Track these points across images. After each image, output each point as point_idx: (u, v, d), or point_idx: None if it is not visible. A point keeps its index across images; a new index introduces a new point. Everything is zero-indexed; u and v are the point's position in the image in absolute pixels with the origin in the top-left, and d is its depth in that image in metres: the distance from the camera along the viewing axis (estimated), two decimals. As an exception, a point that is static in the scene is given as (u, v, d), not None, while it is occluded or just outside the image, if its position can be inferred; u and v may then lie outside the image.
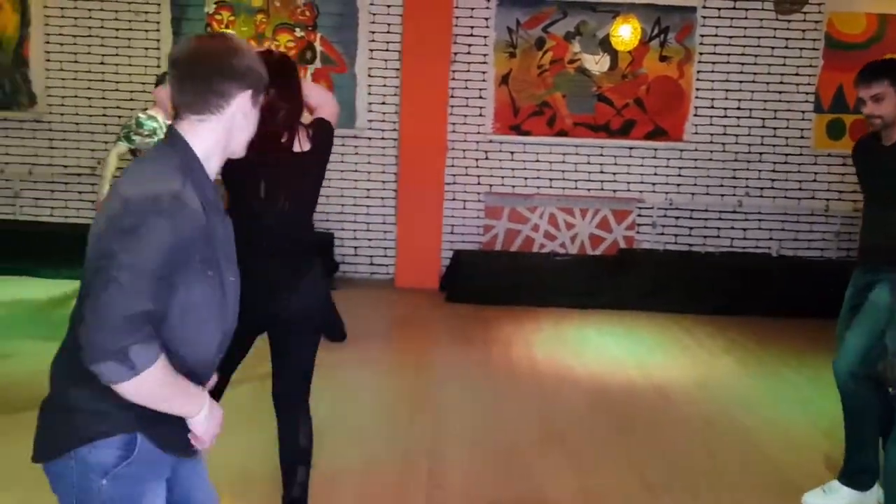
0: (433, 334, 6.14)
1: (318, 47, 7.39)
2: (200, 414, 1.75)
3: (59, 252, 7.00)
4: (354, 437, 4.09)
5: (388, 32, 7.39)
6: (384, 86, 7.45)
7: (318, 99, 3.04)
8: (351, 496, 3.51)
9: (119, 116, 7.42)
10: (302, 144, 2.78)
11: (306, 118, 2.91)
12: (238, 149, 1.85)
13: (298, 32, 7.37)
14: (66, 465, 1.68)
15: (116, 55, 7.38)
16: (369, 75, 7.43)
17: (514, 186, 7.60)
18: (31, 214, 7.56)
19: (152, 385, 1.62)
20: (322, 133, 2.86)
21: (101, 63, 7.38)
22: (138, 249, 1.58)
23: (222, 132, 1.77)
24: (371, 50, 7.40)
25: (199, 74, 1.73)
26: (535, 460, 3.95)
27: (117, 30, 7.35)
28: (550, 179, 7.61)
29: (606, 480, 3.78)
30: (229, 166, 2.69)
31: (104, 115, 7.43)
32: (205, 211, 1.69)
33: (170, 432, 1.75)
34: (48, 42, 7.37)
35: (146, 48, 7.38)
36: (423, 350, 5.75)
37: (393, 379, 5.07)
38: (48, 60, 7.39)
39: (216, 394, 2.89)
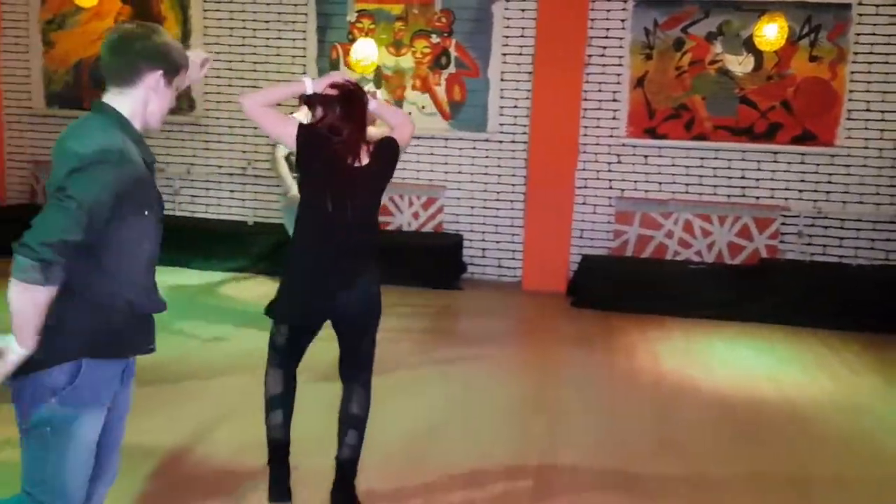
0: (557, 338, 6.09)
1: (453, 52, 7.53)
2: (21, 349, 2.00)
3: (212, 246, 7.54)
4: (469, 435, 4.14)
5: (521, 37, 7.42)
6: (516, 89, 7.48)
7: (396, 120, 3.39)
8: (459, 490, 3.55)
9: (267, 120, 7.88)
10: (362, 159, 3.11)
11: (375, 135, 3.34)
12: (152, 120, 2.18)
13: (434, 38, 7.55)
14: (24, 383, 2.06)
15: (266, 62, 7.86)
16: (502, 79, 7.49)
17: (646, 191, 7.41)
18: (188, 211, 8.19)
19: (40, 301, 1.96)
20: (383, 150, 3.19)
21: (253, 70, 7.88)
22: (86, 188, 1.96)
23: (139, 103, 2.13)
24: (504, 55, 7.46)
25: (119, 54, 2.11)
26: (650, 471, 3.84)
27: (268, 39, 7.84)
28: (686, 185, 7.36)
29: (725, 498, 3.62)
30: (305, 180, 3.16)
31: (254, 119, 7.91)
32: (146, 165, 2.11)
33: (116, 340, 2.12)
34: (206, 51, 7.94)
35: (293, 56, 7.81)
36: (545, 353, 5.72)
37: (513, 380, 5.08)
38: (206, 68, 7.97)
39: (292, 377, 3.28)
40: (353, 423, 3.25)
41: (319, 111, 3.10)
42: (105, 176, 1.98)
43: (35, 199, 8.37)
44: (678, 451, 4.07)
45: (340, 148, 3.05)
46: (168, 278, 7.17)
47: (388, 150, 3.19)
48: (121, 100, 2.12)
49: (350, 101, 3.10)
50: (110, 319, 2.11)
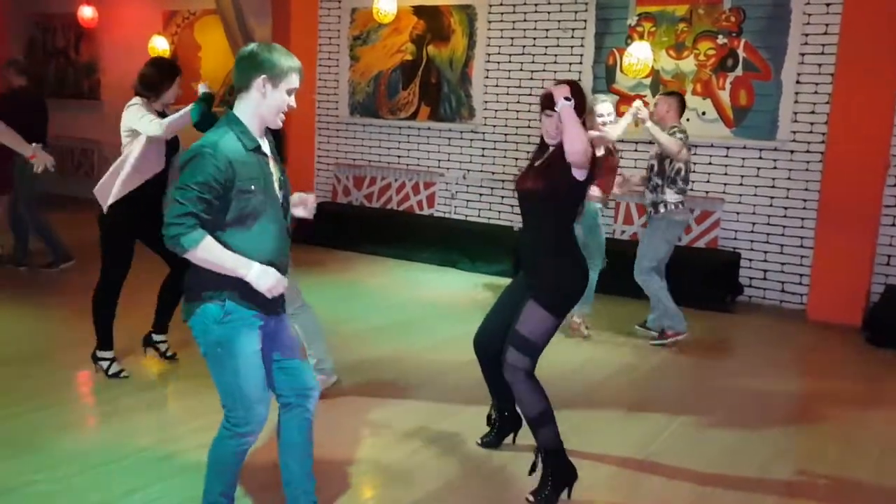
0: (838, 378, 5.25)
1: (741, 54, 6.91)
2: (251, 273, 2.57)
3: (479, 249, 7.76)
4: (692, 477, 3.71)
5: (824, 34, 6.57)
6: (814, 93, 6.65)
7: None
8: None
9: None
10: None
11: None
12: (268, 118, 2.67)
13: (721, 39, 6.99)
14: (197, 319, 2.65)
15: (543, 71, 7.89)
16: (797, 82, 6.70)
17: (980, 214, 6.15)
18: (462, 214, 8.53)
19: (204, 257, 2.55)
20: None
21: (530, 78, 7.97)
22: (189, 174, 2.53)
23: (253, 104, 2.65)
24: (802, 54, 6.67)
25: (237, 68, 2.66)
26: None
27: (546, 47, 7.86)
28: None
29: None
30: None
31: (528, 128, 8.01)
32: (246, 151, 2.62)
33: (252, 292, 2.61)
34: (488, 61, 8.22)
35: (570, 63, 7.74)
36: (818, 394, 4.95)
37: (766, 420, 4.45)
38: (487, 78, 8.24)
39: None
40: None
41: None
42: (203, 166, 2.55)
43: (336, 198, 9.29)
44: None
45: None
46: (435, 276, 7.56)
47: None
48: (240, 103, 2.69)
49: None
50: None
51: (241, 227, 2.60)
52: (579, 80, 7.62)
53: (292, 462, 2.81)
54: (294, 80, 2.66)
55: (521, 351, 3.24)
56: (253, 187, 2.59)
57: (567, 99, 3.15)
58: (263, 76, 2.61)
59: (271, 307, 2.71)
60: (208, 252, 2.54)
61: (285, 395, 2.79)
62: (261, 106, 2.64)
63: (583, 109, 3.22)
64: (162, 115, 4.41)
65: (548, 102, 3.24)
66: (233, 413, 2.66)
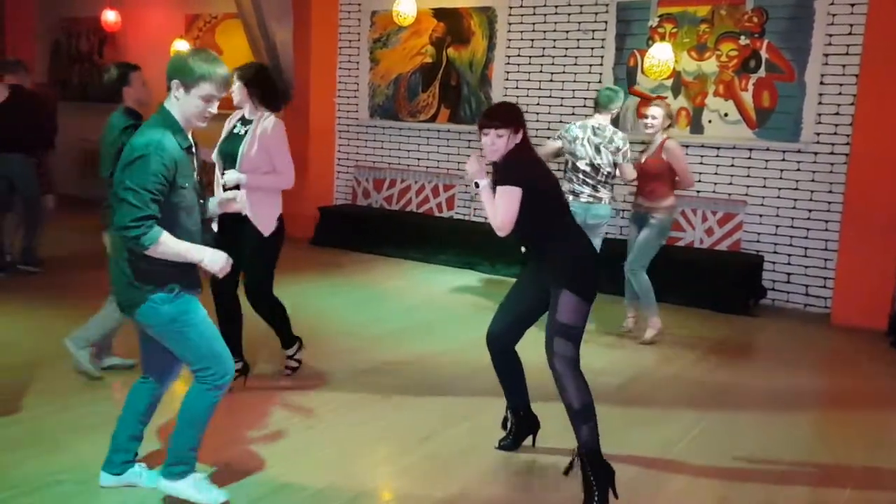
0: (862, 382, 5.18)
1: (764, 55, 6.84)
2: (204, 259, 2.84)
3: (499, 251, 7.74)
4: (706, 487, 3.68)
5: (849, 34, 6.49)
6: (839, 94, 6.57)
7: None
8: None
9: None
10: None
11: None
12: (190, 120, 2.84)
13: (743, 40, 6.93)
14: (146, 307, 2.83)
15: (563, 73, 7.86)
16: (821, 83, 6.62)
17: None
18: (481, 216, 8.50)
19: (163, 251, 2.75)
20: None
21: (550, 80, 7.94)
22: (139, 176, 2.68)
23: (175, 106, 2.84)
24: (826, 55, 6.59)
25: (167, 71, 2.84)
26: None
27: (566, 49, 7.83)
28: None
29: None
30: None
31: (548, 129, 7.96)
32: (181, 149, 2.79)
33: (191, 279, 2.91)
34: (508, 63, 8.20)
35: (590, 65, 7.71)
36: (839, 401, 4.88)
37: (784, 427, 4.39)
38: (507, 80, 8.22)
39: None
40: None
41: None
42: (151, 163, 2.70)
43: (356, 200, 9.31)
44: None
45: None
46: (454, 279, 7.54)
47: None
48: (169, 105, 2.86)
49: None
50: None
51: (168, 221, 2.77)
52: (599, 82, 7.60)
53: (124, 424, 3.13)
54: (206, 89, 2.76)
55: (566, 338, 3.29)
56: (186, 185, 2.81)
57: (479, 182, 3.39)
58: (175, 80, 2.79)
59: (199, 286, 2.98)
60: (167, 245, 2.75)
61: (153, 371, 3.12)
62: (180, 107, 2.82)
63: (520, 126, 3.39)
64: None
65: (484, 122, 3.38)
66: (209, 372, 2.89)
